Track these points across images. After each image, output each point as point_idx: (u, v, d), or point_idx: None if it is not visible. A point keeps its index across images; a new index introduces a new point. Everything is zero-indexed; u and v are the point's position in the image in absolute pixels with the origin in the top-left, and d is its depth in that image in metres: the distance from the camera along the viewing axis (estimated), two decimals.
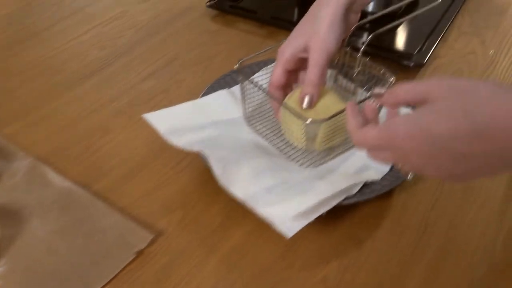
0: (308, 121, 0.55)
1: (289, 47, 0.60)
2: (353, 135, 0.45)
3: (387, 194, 0.58)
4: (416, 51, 0.82)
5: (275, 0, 0.98)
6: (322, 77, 0.59)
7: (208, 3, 0.93)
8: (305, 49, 0.59)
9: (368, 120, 0.46)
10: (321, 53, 0.58)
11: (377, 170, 0.59)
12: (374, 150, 0.44)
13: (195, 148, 0.58)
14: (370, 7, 0.90)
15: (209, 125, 0.64)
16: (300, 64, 0.61)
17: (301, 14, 0.64)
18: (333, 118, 0.56)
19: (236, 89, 0.70)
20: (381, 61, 0.80)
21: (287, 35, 0.86)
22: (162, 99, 0.74)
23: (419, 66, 0.79)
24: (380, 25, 0.90)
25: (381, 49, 0.82)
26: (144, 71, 0.80)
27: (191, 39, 0.87)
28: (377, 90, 0.45)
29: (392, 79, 0.61)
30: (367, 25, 0.88)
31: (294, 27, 0.88)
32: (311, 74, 0.58)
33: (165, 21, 0.92)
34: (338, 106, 0.64)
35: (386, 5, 0.90)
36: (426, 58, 0.80)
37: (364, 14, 0.70)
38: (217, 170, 0.56)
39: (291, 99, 0.64)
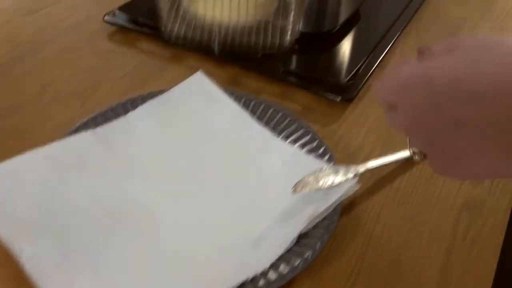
0: None
1: None
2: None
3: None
4: (346, 80, 0.68)
5: None
6: None
7: (106, 17, 0.77)
8: None
9: None
10: None
11: (274, 249, 0.44)
12: (384, 102, 0.37)
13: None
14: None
15: (49, 182, 0.48)
16: None
17: None
18: None
19: (110, 128, 0.55)
20: (302, 93, 0.66)
21: (197, 59, 0.72)
22: (17, 142, 0.58)
23: (348, 100, 0.65)
24: (311, 48, 0.77)
25: (302, 77, 0.68)
26: (6, 103, 0.63)
27: (77, 62, 0.71)
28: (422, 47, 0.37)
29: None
30: (296, 47, 0.74)
31: (206, 49, 0.72)
32: None
33: (51, 37, 0.75)
34: None
35: (319, 24, 0.76)
36: (356, 91, 0.65)
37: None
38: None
39: None
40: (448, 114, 0.32)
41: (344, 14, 0.80)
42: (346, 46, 0.77)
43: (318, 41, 0.77)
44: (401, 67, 0.35)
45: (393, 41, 0.77)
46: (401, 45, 0.78)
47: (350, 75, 0.69)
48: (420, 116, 0.34)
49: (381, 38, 0.77)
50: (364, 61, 0.71)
